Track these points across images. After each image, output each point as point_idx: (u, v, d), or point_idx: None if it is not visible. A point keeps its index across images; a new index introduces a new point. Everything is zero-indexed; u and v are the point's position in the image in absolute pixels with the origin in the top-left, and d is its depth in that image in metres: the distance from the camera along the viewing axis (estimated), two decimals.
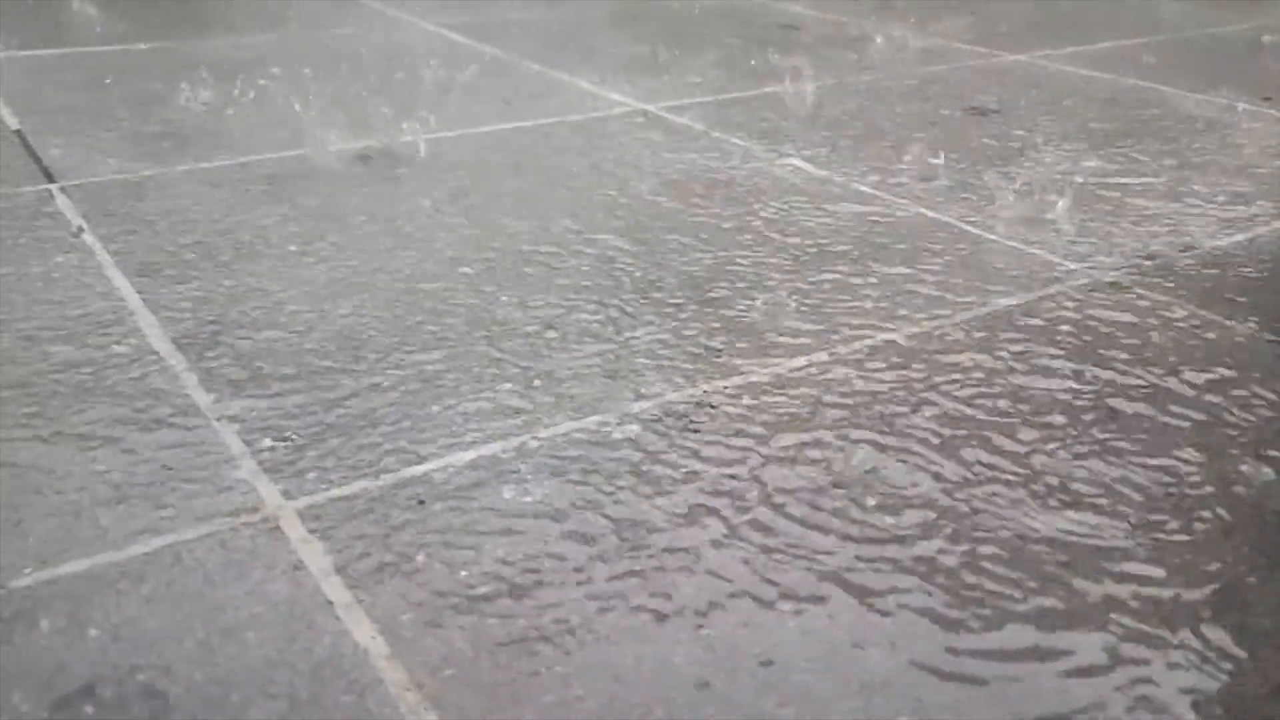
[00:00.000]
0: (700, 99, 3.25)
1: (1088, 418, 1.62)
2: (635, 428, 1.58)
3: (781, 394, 1.67)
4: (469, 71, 3.51)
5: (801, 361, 1.76)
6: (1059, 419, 1.62)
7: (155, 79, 3.37)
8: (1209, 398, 1.68)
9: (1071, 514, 1.41)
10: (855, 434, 1.57)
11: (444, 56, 3.72)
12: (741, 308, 1.94)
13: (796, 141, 2.87)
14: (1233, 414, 1.64)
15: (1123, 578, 1.29)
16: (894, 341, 1.83)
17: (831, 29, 4.29)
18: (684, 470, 1.49)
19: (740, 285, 2.02)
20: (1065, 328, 1.89)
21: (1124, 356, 1.80)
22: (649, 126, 2.98)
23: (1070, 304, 1.97)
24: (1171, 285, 2.06)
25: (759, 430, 1.58)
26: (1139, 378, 1.73)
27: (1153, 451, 1.54)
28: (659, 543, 1.34)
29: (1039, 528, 1.38)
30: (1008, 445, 1.55)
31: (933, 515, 1.40)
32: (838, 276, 2.07)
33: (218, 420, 1.59)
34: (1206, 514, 1.41)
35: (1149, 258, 2.19)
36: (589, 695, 1.12)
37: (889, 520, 1.39)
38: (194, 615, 1.22)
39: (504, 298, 1.97)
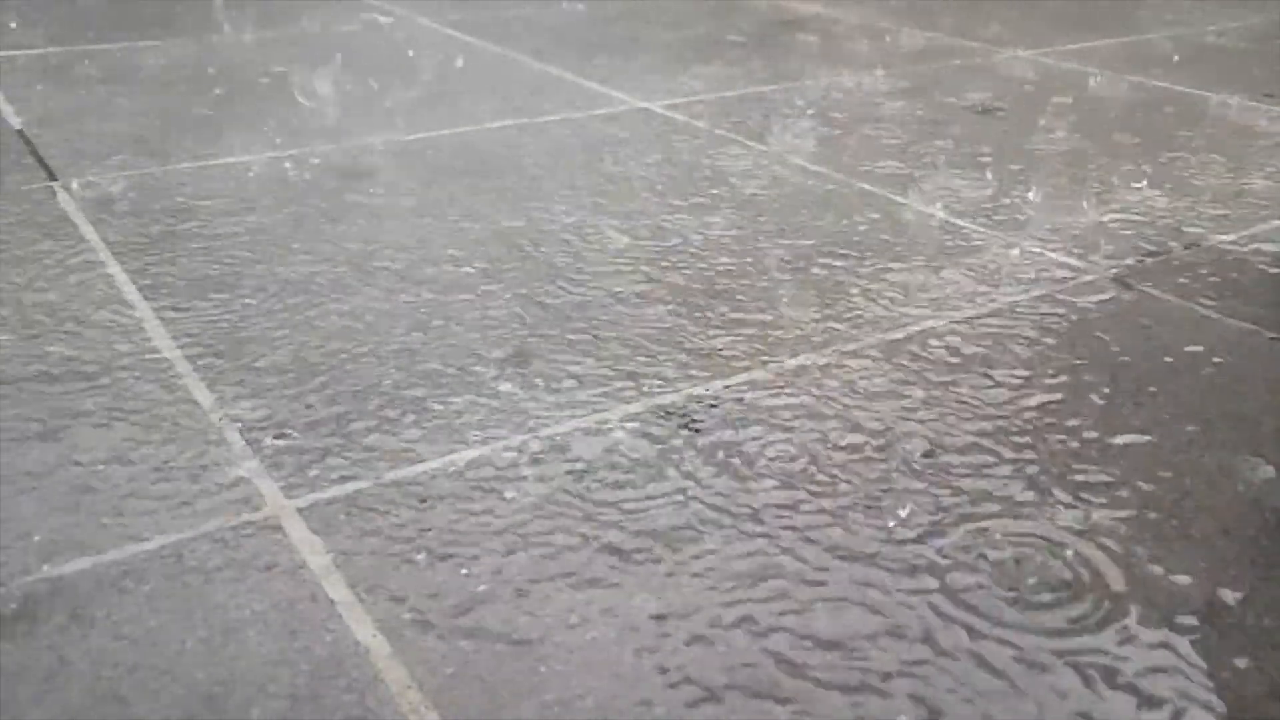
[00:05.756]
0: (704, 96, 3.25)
1: (1088, 412, 1.62)
2: (635, 425, 1.58)
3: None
4: (468, 67, 3.51)
5: None
6: (1060, 410, 1.62)
7: (158, 76, 3.38)
8: (1209, 394, 1.68)
9: (1074, 510, 1.41)
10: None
11: (445, 55, 3.73)
12: None
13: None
14: (1233, 412, 1.64)
15: (1122, 575, 1.29)
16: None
17: (845, 27, 4.28)
18: (684, 470, 1.49)
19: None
20: (1068, 323, 1.89)
21: (1125, 352, 1.80)
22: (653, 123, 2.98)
23: (1076, 299, 1.97)
24: (1174, 280, 2.06)
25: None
26: (1140, 372, 1.73)
27: (1152, 448, 1.54)
28: (661, 540, 1.35)
29: (1044, 522, 1.38)
30: (1008, 440, 1.55)
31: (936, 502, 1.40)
32: None
33: (219, 418, 1.59)
34: (1206, 512, 1.41)
35: (1151, 254, 2.18)
36: (589, 693, 1.12)
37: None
38: (195, 613, 1.22)
39: (507, 294, 1.97)
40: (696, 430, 1.57)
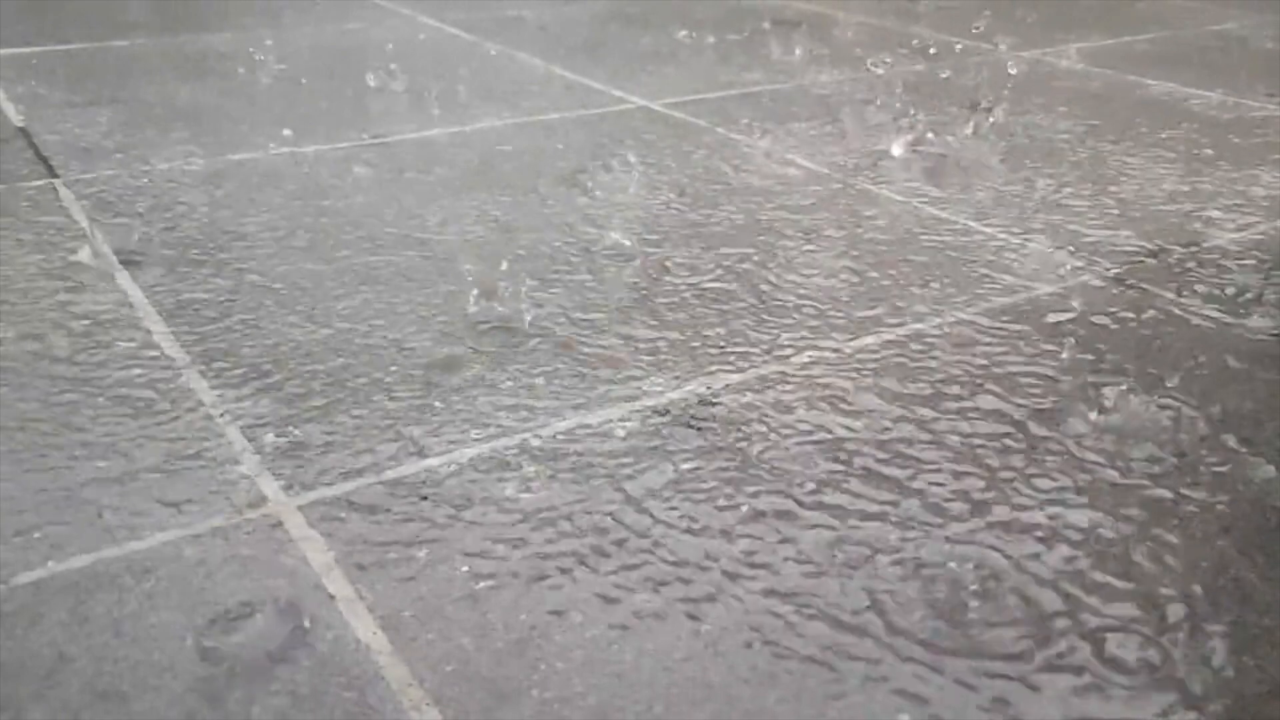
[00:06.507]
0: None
1: (1088, 413, 1.62)
2: (637, 423, 1.58)
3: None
4: (469, 66, 3.51)
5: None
6: (1059, 410, 1.62)
7: (160, 75, 3.38)
8: (1209, 394, 1.68)
9: (1073, 513, 1.41)
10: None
11: (448, 53, 3.73)
12: None
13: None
14: (1233, 411, 1.64)
15: (1124, 576, 1.30)
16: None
17: (847, 27, 4.28)
18: (686, 468, 1.49)
19: None
20: (1067, 322, 1.89)
21: (1126, 352, 1.80)
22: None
23: (1075, 299, 1.97)
24: (1173, 280, 2.06)
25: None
26: (1139, 374, 1.73)
27: (1151, 448, 1.54)
28: (661, 539, 1.35)
29: (1044, 522, 1.38)
30: (1006, 440, 1.55)
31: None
32: None
33: (220, 416, 1.59)
34: (1206, 512, 1.41)
35: (1151, 254, 2.18)
36: (589, 691, 1.12)
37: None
38: (196, 611, 1.22)
39: (508, 293, 1.97)
40: (699, 428, 1.57)
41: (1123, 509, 1.41)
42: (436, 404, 1.63)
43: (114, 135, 2.81)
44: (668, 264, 2.11)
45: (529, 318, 1.89)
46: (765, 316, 1.91)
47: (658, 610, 1.23)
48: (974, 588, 1.27)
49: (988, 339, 1.84)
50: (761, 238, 2.24)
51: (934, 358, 1.78)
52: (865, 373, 1.73)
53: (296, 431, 1.56)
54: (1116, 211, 2.41)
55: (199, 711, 1.09)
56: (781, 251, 2.17)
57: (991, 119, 3.05)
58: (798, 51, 3.82)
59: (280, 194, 2.44)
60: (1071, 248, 2.21)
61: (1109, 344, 1.83)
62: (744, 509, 1.40)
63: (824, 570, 1.30)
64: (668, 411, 1.62)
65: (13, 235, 2.19)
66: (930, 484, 1.46)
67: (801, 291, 2.00)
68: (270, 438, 1.54)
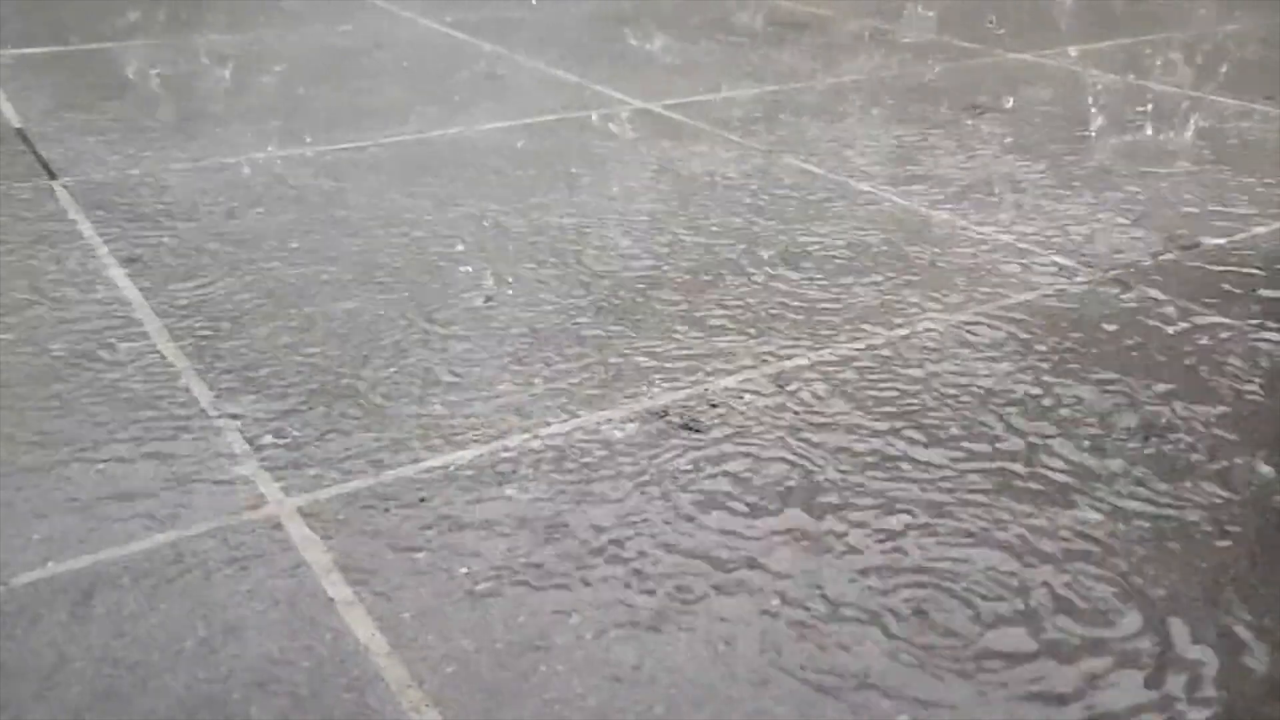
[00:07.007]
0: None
1: (1090, 417, 1.62)
2: (635, 425, 1.58)
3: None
4: (468, 67, 3.51)
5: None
6: (1058, 411, 1.62)
7: (158, 75, 3.38)
8: (1208, 395, 1.68)
9: (1074, 512, 1.41)
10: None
11: (446, 54, 3.73)
12: None
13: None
14: (1232, 412, 1.64)
15: (1123, 577, 1.30)
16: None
17: (847, 31, 4.28)
18: (685, 471, 1.49)
19: None
20: (1066, 324, 1.89)
21: (1124, 354, 1.80)
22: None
23: (1074, 301, 1.98)
24: (1172, 281, 2.06)
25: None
26: (1139, 372, 1.73)
27: (1151, 448, 1.54)
28: (660, 541, 1.35)
29: (1044, 524, 1.38)
30: (1005, 441, 1.55)
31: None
32: None
33: (219, 417, 1.59)
34: (1206, 512, 1.41)
35: (1149, 255, 2.19)
36: (589, 693, 1.12)
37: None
38: (195, 612, 1.22)
39: (506, 294, 1.97)
40: (697, 430, 1.57)
41: (1122, 510, 1.41)
42: (436, 406, 1.63)
43: (112, 136, 2.81)
44: (666, 265, 2.11)
45: (527, 319, 1.89)
46: (764, 318, 1.91)
47: (658, 611, 1.23)
48: (974, 592, 1.27)
49: (987, 341, 1.84)
50: (760, 240, 2.24)
51: (934, 360, 1.78)
52: (864, 375, 1.73)
53: (296, 433, 1.56)
54: (1115, 213, 2.41)
55: (199, 712, 1.09)
56: (780, 253, 2.17)
57: (990, 121, 3.05)
58: (799, 54, 3.82)
59: (279, 195, 2.44)
60: (1070, 250, 2.21)
61: (1108, 345, 1.83)
62: (743, 511, 1.40)
63: (825, 573, 1.30)
64: (666, 413, 1.62)
65: (11, 237, 2.19)
66: (931, 487, 1.46)
67: (800, 293, 2.00)
68: (269, 439, 1.54)
